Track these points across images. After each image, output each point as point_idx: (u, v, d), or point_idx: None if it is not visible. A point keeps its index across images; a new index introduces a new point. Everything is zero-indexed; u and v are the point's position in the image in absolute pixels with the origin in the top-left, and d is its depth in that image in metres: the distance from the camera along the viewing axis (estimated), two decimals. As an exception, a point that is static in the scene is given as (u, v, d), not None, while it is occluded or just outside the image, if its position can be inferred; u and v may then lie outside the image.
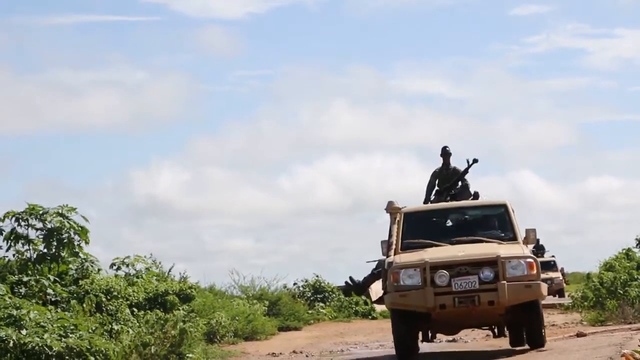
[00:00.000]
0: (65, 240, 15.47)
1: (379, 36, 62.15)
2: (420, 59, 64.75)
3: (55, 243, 15.49)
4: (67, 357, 11.93)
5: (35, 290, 14.74)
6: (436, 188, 15.75)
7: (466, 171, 15.46)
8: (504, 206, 14.22)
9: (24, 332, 12.11)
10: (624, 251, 24.44)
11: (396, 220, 14.06)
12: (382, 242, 14.16)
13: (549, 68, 69.03)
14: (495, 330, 14.73)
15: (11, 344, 11.78)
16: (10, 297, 13.13)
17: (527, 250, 13.43)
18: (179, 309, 17.86)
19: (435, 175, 15.86)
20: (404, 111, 62.51)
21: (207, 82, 59.92)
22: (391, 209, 14.37)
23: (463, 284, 12.83)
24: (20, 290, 14.58)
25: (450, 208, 14.68)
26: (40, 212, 15.40)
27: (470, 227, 14.24)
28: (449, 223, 14.59)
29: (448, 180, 15.61)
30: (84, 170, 52.78)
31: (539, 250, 32.61)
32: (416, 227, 14.08)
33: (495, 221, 14.27)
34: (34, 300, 14.08)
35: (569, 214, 62.51)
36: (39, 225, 15.43)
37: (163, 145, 59.03)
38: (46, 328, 12.32)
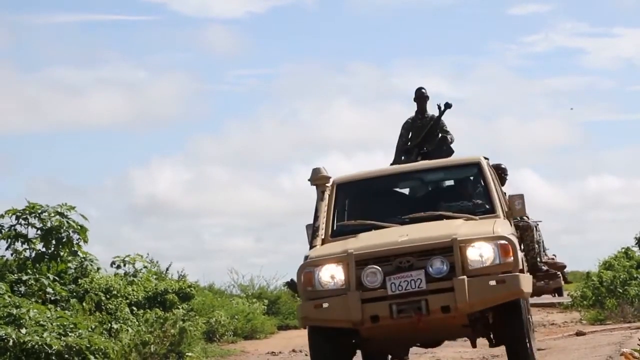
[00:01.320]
0: (64, 239, 15.46)
1: (378, 35, 62.05)
2: (419, 57, 64.68)
3: (54, 242, 15.48)
4: (66, 356, 11.93)
5: (34, 289, 14.73)
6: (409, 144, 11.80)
7: (439, 119, 11.61)
8: (476, 165, 10.12)
9: (23, 330, 12.11)
10: (623, 250, 24.47)
11: (325, 195, 9.99)
12: (308, 226, 9.94)
13: (548, 67, 69.02)
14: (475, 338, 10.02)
15: (11, 343, 11.78)
16: (9, 296, 13.13)
17: (504, 227, 9.29)
18: (178, 308, 17.86)
19: (407, 127, 11.80)
20: (405, 110, 62.41)
21: (207, 81, 59.86)
22: (317, 179, 10.09)
23: (403, 284, 8.70)
24: (20, 289, 14.57)
25: (402, 173, 10.54)
26: (40, 211, 15.39)
27: (433, 198, 10.27)
28: (404, 194, 10.73)
29: (421, 133, 11.71)
30: (85, 168, 52.70)
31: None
32: (354, 204, 10.27)
33: (467, 188, 10.25)
34: (33, 299, 14.08)
35: (569, 213, 62.47)
36: (39, 224, 15.42)
37: (163, 144, 58.97)
38: (46, 327, 12.32)
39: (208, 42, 57.86)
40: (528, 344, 9.05)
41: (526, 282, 9.01)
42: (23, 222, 15.41)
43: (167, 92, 54.73)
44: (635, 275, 21.30)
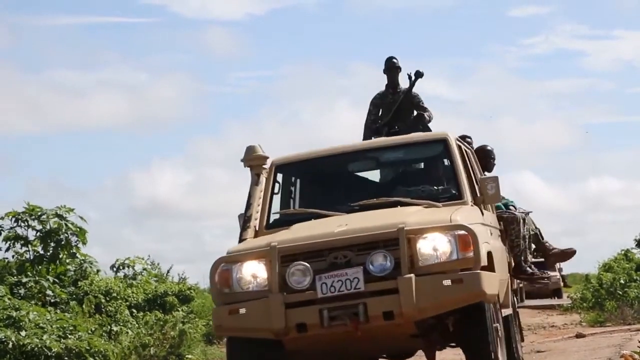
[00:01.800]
0: (62, 242, 15.48)
1: (378, 37, 62.13)
2: (419, 59, 64.75)
3: (53, 244, 15.50)
4: (66, 358, 11.94)
5: (34, 292, 14.74)
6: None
7: (410, 90, 10.09)
8: (442, 143, 8.52)
9: (23, 333, 12.12)
10: (623, 252, 24.47)
11: (261, 179, 8.57)
12: (240, 216, 8.48)
13: (548, 69, 69.15)
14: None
15: (10, 345, 11.79)
16: (9, 298, 13.15)
17: (469, 215, 7.78)
18: (178, 310, 17.86)
19: (376, 102, 10.29)
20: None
21: (208, 83, 59.99)
22: (252, 159, 8.58)
23: (336, 284, 7.21)
24: (20, 292, 14.59)
25: (354, 152, 8.83)
26: (39, 214, 15.41)
27: (391, 182, 8.86)
28: (358, 178, 9.08)
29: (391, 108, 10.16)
30: (85, 170, 52.78)
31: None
32: (299, 189, 8.92)
33: (432, 170, 8.78)
34: (33, 302, 14.09)
35: (569, 215, 62.57)
36: (39, 226, 15.44)
37: (164, 146, 59.10)
38: (45, 329, 12.33)
39: (208, 44, 57.96)
40: (492, 355, 7.43)
41: (490, 281, 7.41)
42: (23, 224, 15.45)
43: (168, 94, 54.80)
44: (635, 278, 21.32)
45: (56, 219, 15.42)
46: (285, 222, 8.27)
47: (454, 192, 8.26)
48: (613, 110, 68.55)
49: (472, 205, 8.14)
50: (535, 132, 64.20)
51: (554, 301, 29.72)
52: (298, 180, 8.95)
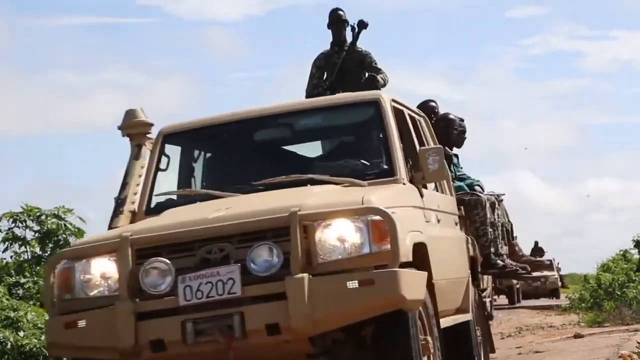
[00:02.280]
0: (61, 242, 15.48)
1: (377, 38, 62.24)
2: (419, 60, 64.87)
3: (51, 245, 15.50)
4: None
5: (33, 292, 14.73)
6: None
7: (353, 45, 8.54)
8: (373, 105, 6.79)
9: (21, 333, 12.12)
10: (622, 252, 24.51)
11: (143, 152, 7.24)
12: (116, 198, 7.09)
13: (547, 70, 69.27)
14: None
15: (9, 346, 11.80)
16: (7, 299, 13.14)
17: (395, 195, 6.16)
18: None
19: (319, 63, 8.69)
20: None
21: (206, 83, 60.12)
22: (131, 125, 7.19)
23: (204, 288, 5.50)
24: (18, 292, 14.58)
25: (261, 117, 7.01)
26: (37, 214, 15.42)
27: (310, 155, 7.21)
28: (270, 150, 7.15)
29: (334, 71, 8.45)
30: (85, 170, 52.91)
31: (537, 252, 31.90)
32: (203, 164, 7.33)
33: (359, 140, 7.06)
34: (31, 302, 14.09)
35: (568, 215, 62.73)
36: (37, 227, 15.45)
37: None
38: (44, 330, 12.32)
39: (207, 45, 57.94)
40: None
41: (414, 282, 5.64)
42: (21, 225, 15.45)
43: (166, 94, 54.81)
44: (633, 278, 21.36)
45: (55, 219, 15.43)
46: (171, 206, 6.65)
47: (385, 167, 6.52)
48: (611, 110, 68.69)
49: (405, 184, 6.47)
50: (534, 132, 64.36)
51: (552, 301, 29.69)
52: (198, 154, 7.34)
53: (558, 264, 36.29)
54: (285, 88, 61.03)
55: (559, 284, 33.67)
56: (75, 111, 53.77)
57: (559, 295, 32.63)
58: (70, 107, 53.96)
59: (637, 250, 23.39)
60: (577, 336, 15.76)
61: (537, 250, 32.43)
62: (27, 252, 15.61)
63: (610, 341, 13.45)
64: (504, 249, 8.61)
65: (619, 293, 20.67)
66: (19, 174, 48.45)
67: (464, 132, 8.83)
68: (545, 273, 31.85)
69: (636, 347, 10.30)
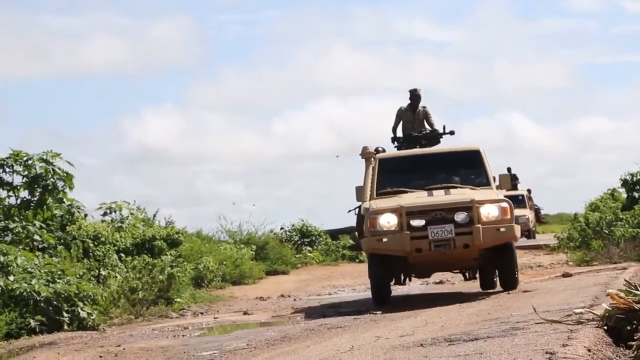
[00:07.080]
0: (49, 187, 15.40)
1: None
2: (411, 1, 64.45)
3: (39, 189, 15.43)
4: (55, 303, 11.96)
5: (22, 237, 14.72)
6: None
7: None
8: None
9: (11, 278, 12.13)
10: (610, 192, 24.56)
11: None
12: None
13: (535, 9, 68.83)
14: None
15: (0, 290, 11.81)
16: (-4, 244, 13.14)
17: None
18: (166, 254, 17.88)
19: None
20: (400, 55, 62.46)
21: (202, 26, 59.48)
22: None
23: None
24: (7, 237, 14.55)
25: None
26: (25, 159, 15.33)
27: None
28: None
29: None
30: (78, 116, 52.48)
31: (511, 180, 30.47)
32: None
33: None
34: (21, 247, 14.08)
35: (558, 155, 62.74)
36: (24, 171, 15.36)
37: (156, 92, 58.71)
38: (34, 274, 12.33)
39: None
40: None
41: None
42: (8, 169, 15.37)
43: (161, 38, 54.26)
44: (621, 217, 21.40)
45: (42, 164, 15.35)
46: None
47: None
48: (599, 49, 68.38)
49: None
50: (524, 73, 64.15)
51: (537, 241, 29.11)
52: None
53: (538, 208, 34.26)
54: (284, 32, 60.31)
55: (532, 224, 31.45)
56: (66, 55, 53.16)
57: (533, 236, 31.30)
58: (62, 51, 53.34)
59: (625, 189, 23.41)
60: (566, 275, 15.85)
61: (511, 179, 30.52)
62: (14, 196, 15.54)
63: (599, 279, 13.52)
64: None
65: (606, 232, 20.74)
66: (7, 121, 47.99)
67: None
68: (516, 212, 29.76)
69: (624, 285, 10.33)
